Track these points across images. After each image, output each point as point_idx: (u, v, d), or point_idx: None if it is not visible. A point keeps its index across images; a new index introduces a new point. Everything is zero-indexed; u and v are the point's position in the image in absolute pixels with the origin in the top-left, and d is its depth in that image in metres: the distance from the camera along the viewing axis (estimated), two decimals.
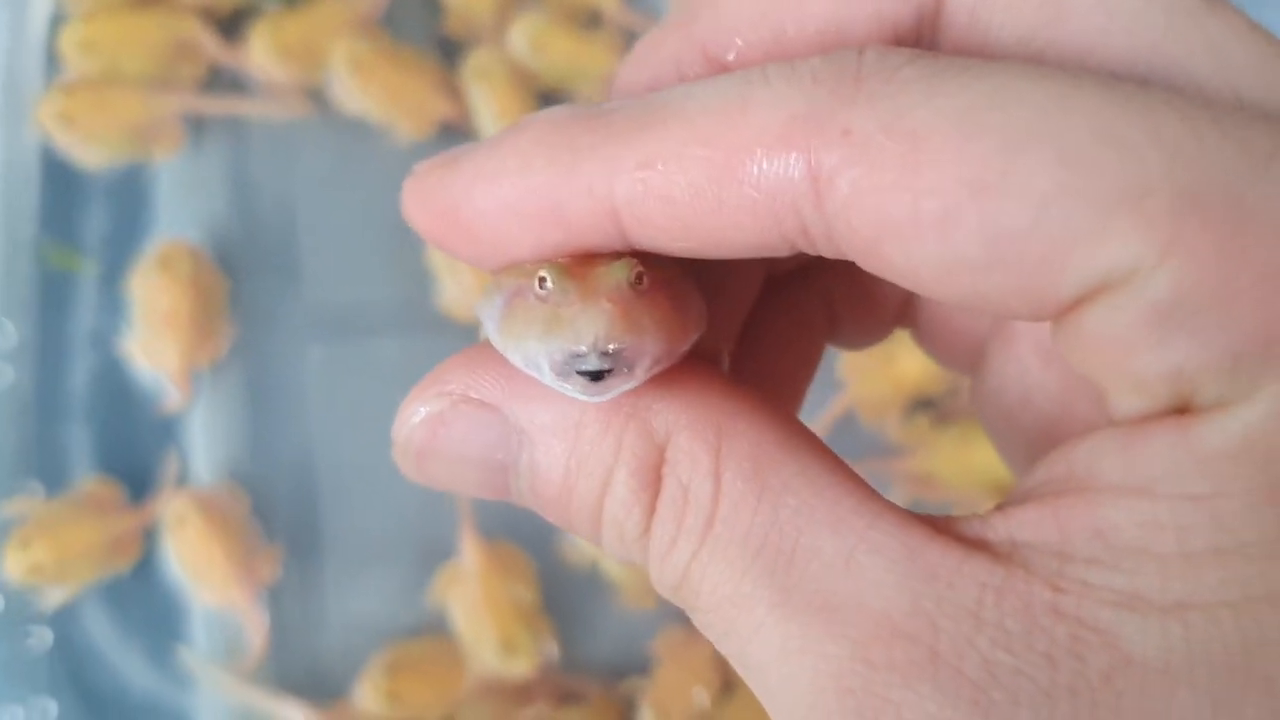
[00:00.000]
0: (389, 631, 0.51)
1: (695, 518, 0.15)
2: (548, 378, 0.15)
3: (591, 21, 0.56)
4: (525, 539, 0.52)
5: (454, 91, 0.53)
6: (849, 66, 0.14)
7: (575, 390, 0.15)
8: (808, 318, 0.22)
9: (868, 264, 0.14)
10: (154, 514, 0.49)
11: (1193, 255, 0.12)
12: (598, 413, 0.16)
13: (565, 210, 0.15)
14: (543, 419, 0.16)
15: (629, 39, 0.56)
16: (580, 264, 0.15)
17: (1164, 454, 0.14)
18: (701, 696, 0.50)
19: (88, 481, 0.50)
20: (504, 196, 0.16)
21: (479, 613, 0.50)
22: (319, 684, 0.50)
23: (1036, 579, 0.13)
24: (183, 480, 0.50)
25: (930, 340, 0.23)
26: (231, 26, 0.53)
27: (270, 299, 0.52)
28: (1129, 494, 0.14)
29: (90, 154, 0.51)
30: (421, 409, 0.17)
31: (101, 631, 0.49)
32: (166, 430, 0.51)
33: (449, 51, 0.55)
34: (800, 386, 0.22)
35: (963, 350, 0.22)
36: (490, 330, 0.16)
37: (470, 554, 0.50)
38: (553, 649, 0.50)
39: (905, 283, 0.14)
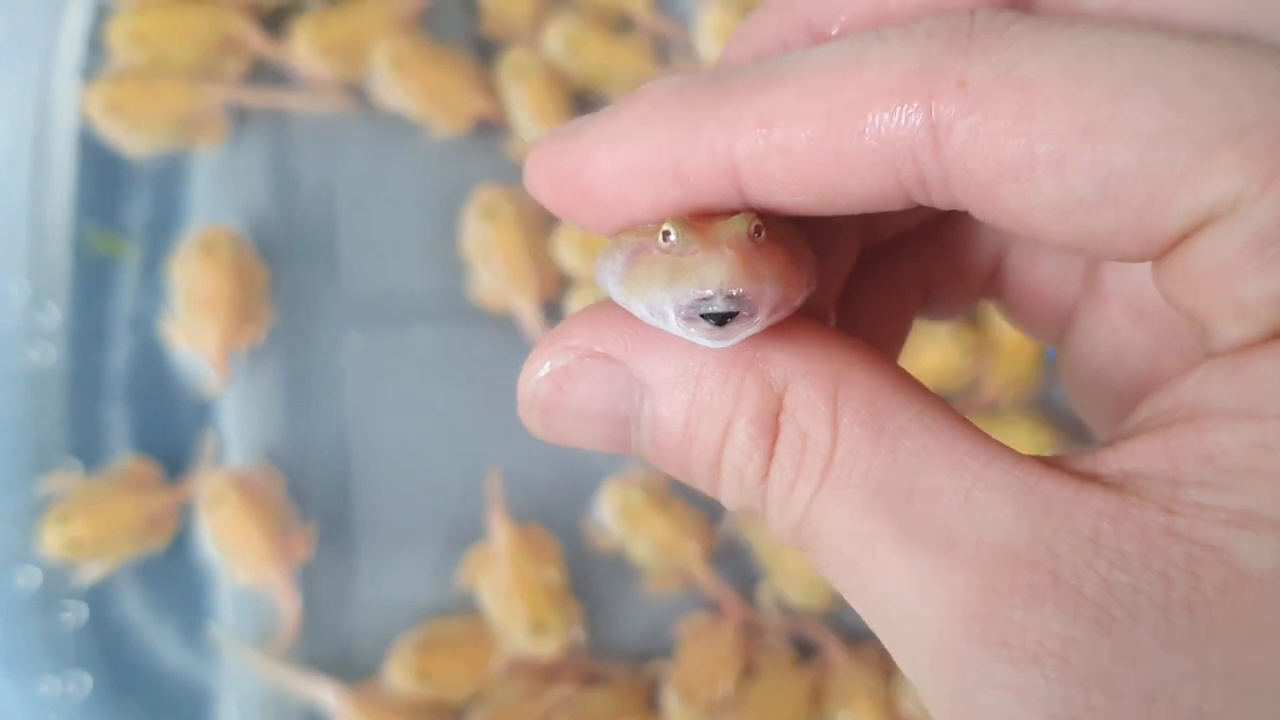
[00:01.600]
0: (419, 611, 0.51)
1: (814, 461, 0.15)
2: (673, 324, 0.16)
3: (623, 25, 0.58)
4: (554, 523, 0.53)
5: (490, 89, 0.55)
6: (961, 24, 0.15)
7: (700, 335, 0.15)
8: (902, 288, 0.22)
9: (982, 209, 0.15)
10: (190, 492, 0.50)
11: None
12: (717, 364, 0.16)
13: (685, 168, 0.16)
14: (665, 371, 0.17)
15: (658, 43, 0.58)
16: (700, 220, 0.16)
17: (1269, 376, 0.14)
18: (726, 684, 0.51)
19: (126, 459, 0.50)
20: (626, 157, 0.16)
21: (508, 593, 0.51)
22: (350, 663, 0.51)
23: (1150, 504, 0.14)
24: (219, 461, 0.51)
25: (1017, 310, 0.23)
26: (276, 23, 0.54)
27: (309, 287, 0.53)
28: (1237, 417, 0.14)
29: (136, 142, 0.53)
30: (547, 364, 0.18)
31: (136, 608, 0.50)
32: (204, 412, 0.52)
33: (486, 51, 0.57)
34: (894, 355, 0.23)
35: (1050, 318, 0.22)
36: (612, 287, 0.17)
37: (500, 535, 0.51)
38: (580, 630, 0.51)
39: (1018, 227, 0.15)
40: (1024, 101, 0.14)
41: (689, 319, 0.15)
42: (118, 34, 0.52)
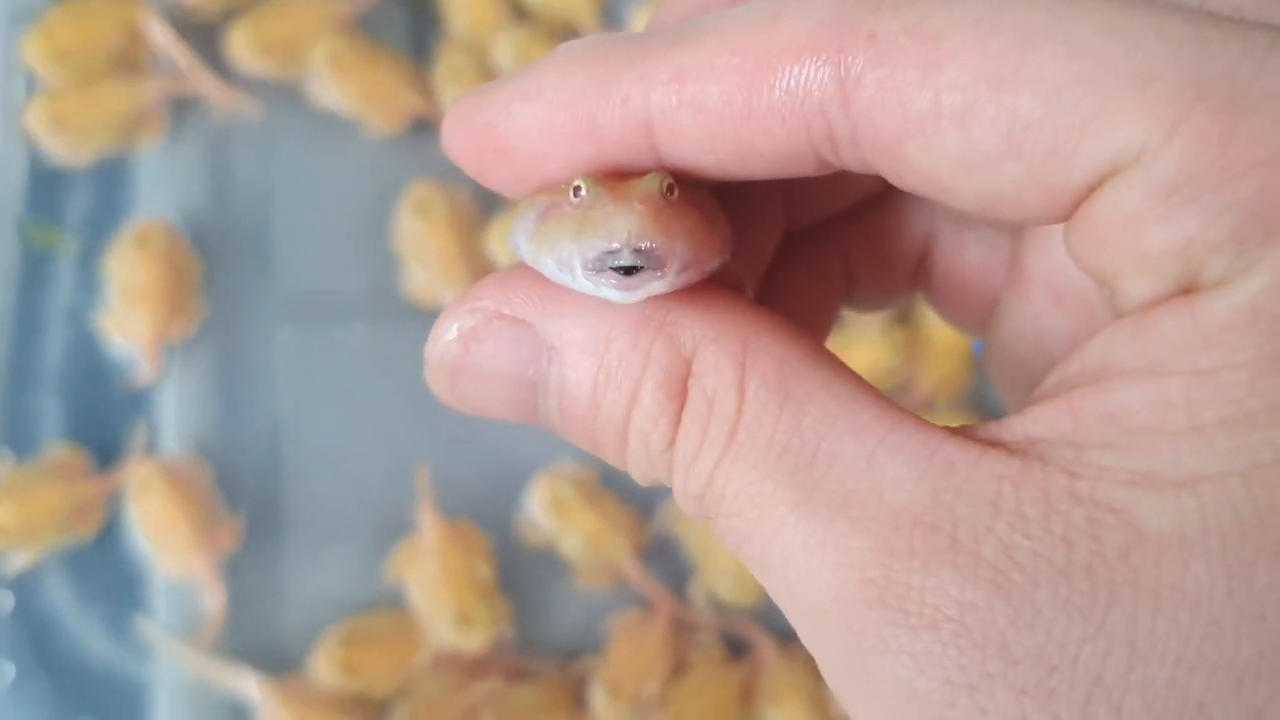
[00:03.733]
0: (347, 605, 0.51)
1: (719, 427, 0.15)
2: (580, 279, 0.16)
3: (569, 36, 0.59)
4: (483, 518, 0.53)
5: (426, 89, 0.56)
6: None
7: (608, 287, 0.15)
8: (825, 275, 0.22)
9: (890, 167, 0.15)
10: (120, 481, 0.51)
11: (1197, 135, 0.13)
12: (626, 327, 0.16)
13: (599, 122, 0.16)
14: (573, 334, 0.16)
15: None
16: (614, 178, 0.16)
17: (1172, 332, 0.14)
18: (654, 682, 0.51)
19: (56, 448, 0.51)
20: (540, 111, 0.16)
21: (436, 586, 0.50)
22: (276, 656, 0.51)
23: (1052, 467, 0.14)
24: (150, 451, 0.52)
25: (944, 300, 0.23)
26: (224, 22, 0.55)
27: (242, 282, 0.54)
28: (1139, 375, 0.14)
29: (80, 151, 0.53)
30: (455, 325, 0.17)
31: (62, 598, 0.50)
32: (136, 403, 0.52)
33: (422, 51, 0.57)
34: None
35: (976, 307, 0.22)
36: (523, 246, 0.17)
37: (429, 529, 0.51)
38: (507, 625, 0.51)
39: (926, 185, 0.15)
40: (932, 53, 0.14)
41: (596, 270, 0.15)
42: (34, 54, 0.53)
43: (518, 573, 0.52)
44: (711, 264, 0.16)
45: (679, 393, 0.16)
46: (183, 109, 0.55)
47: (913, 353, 0.55)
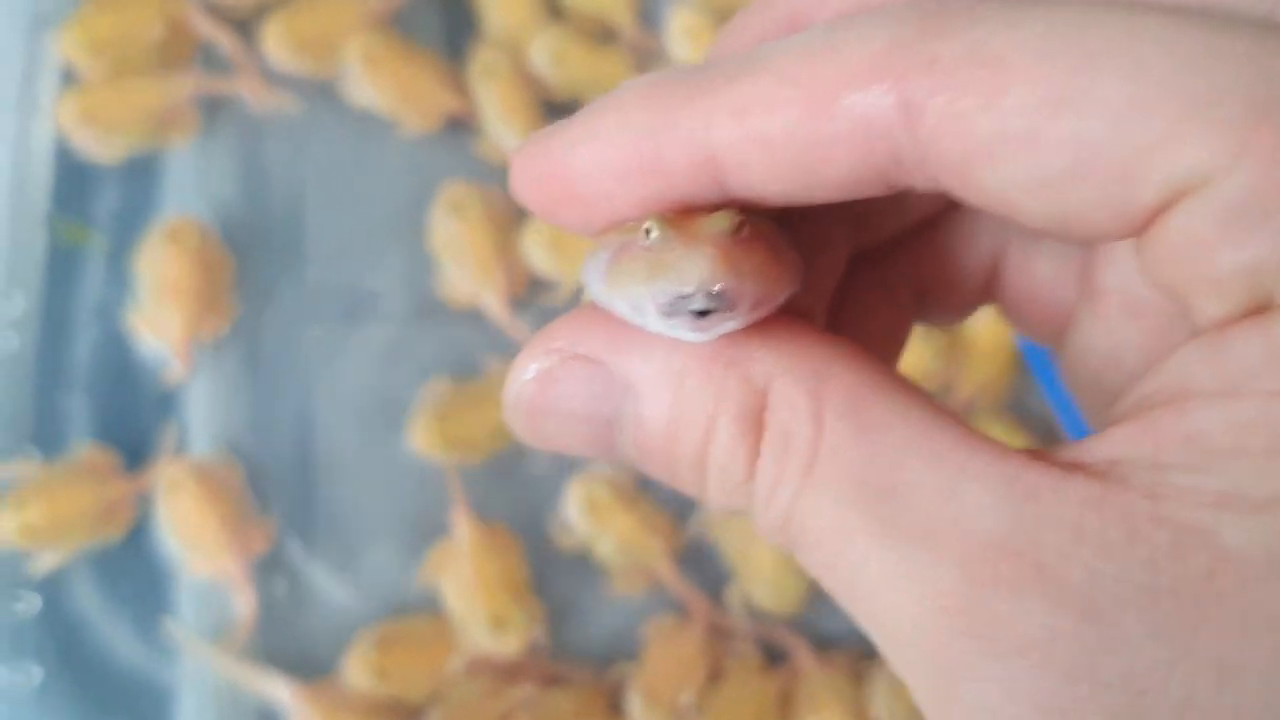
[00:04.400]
0: (380, 609, 0.51)
1: (797, 459, 0.15)
2: (653, 321, 0.16)
3: (606, 37, 0.59)
4: (518, 521, 0.52)
5: (461, 88, 0.55)
6: (931, 4, 0.15)
7: (682, 328, 0.15)
8: (895, 296, 0.22)
9: (959, 188, 0.15)
10: (149, 482, 0.50)
11: (1264, 156, 0.13)
12: (699, 362, 0.16)
13: (665, 160, 0.16)
14: (646, 371, 0.16)
15: (641, 56, 0.58)
16: (683, 217, 0.16)
17: (1248, 352, 0.14)
18: (691, 689, 0.50)
19: (85, 448, 0.50)
20: (605, 153, 0.16)
21: (470, 590, 0.50)
22: (307, 660, 0.50)
23: (1134, 490, 0.14)
24: (180, 451, 0.51)
25: (1017, 312, 0.23)
26: (257, 18, 0.55)
27: (275, 280, 0.53)
28: (1218, 397, 0.14)
29: (111, 147, 0.53)
30: (533, 366, 0.17)
31: (90, 600, 0.49)
32: (166, 402, 0.51)
33: (457, 50, 0.57)
34: (891, 362, 0.22)
35: (1049, 319, 0.22)
36: (595, 287, 0.17)
37: (462, 532, 0.51)
38: (541, 630, 0.50)
39: (997, 205, 0.15)
40: (994, 77, 0.14)
41: (669, 314, 0.15)
42: (70, 45, 0.53)
43: (552, 577, 0.52)
44: (783, 297, 0.16)
45: (755, 426, 0.16)
46: (215, 106, 0.54)
47: (954, 355, 0.54)
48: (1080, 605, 0.13)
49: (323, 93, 0.55)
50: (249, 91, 0.54)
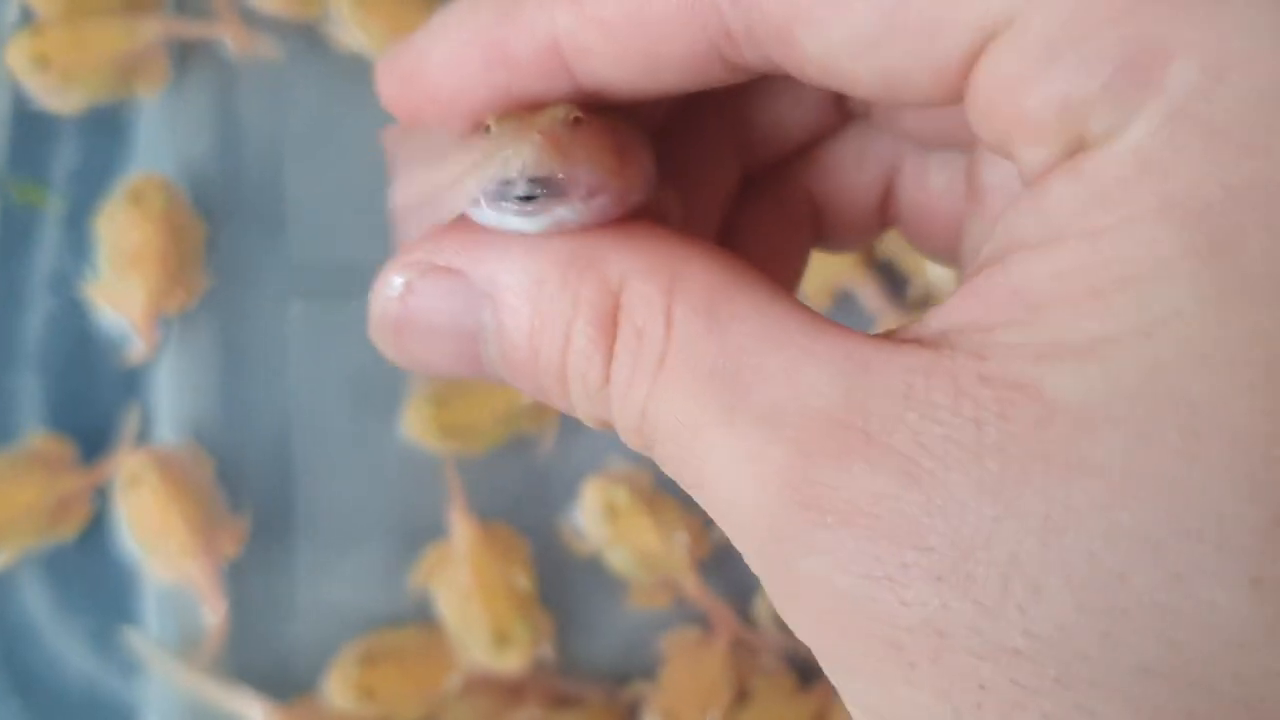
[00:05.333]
0: (365, 619, 0.45)
1: (649, 355, 0.15)
2: (486, 212, 0.16)
3: None
4: (522, 523, 0.46)
5: None
6: None
7: (510, 214, 0.15)
8: (791, 216, 0.22)
9: (788, 60, 0.15)
10: (106, 474, 0.44)
11: None
12: (554, 267, 0.16)
13: (511, 51, 0.16)
14: (505, 279, 0.16)
15: None
16: (524, 112, 0.16)
17: (1064, 196, 0.13)
18: (715, 711, 0.45)
19: (36, 437, 0.44)
20: (455, 48, 0.17)
21: (468, 599, 0.44)
22: (283, 676, 0.45)
23: (961, 353, 0.14)
24: (142, 439, 0.45)
25: (915, 230, 0.22)
26: None
27: (250, 249, 0.48)
28: (1040, 246, 0.14)
29: (69, 98, 0.47)
30: (395, 279, 0.17)
31: (40, 606, 0.44)
32: (128, 384, 0.46)
33: None
34: (791, 288, 0.22)
35: (946, 233, 0.22)
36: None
37: (460, 533, 0.45)
38: (549, 645, 0.45)
39: (824, 76, 0.15)
40: None
41: (496, 200, 0.15)
42: None
43: (560, 584, 0.46)
44: (632, 195, 0.16)
45: (609, 327, 0.16)
46: (187, 51, 0.48)
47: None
48: (905, 469, 0.13)
49: (306, 36, 0.49)
50: (225, 35, 0.48)
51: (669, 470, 0.16)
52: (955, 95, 0.15)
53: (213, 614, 0.44)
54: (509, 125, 0.16)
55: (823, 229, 0.22)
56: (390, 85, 0.18)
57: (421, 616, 0.45)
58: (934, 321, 0.15)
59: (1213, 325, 0.12)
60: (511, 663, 0.44)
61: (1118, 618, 0.12)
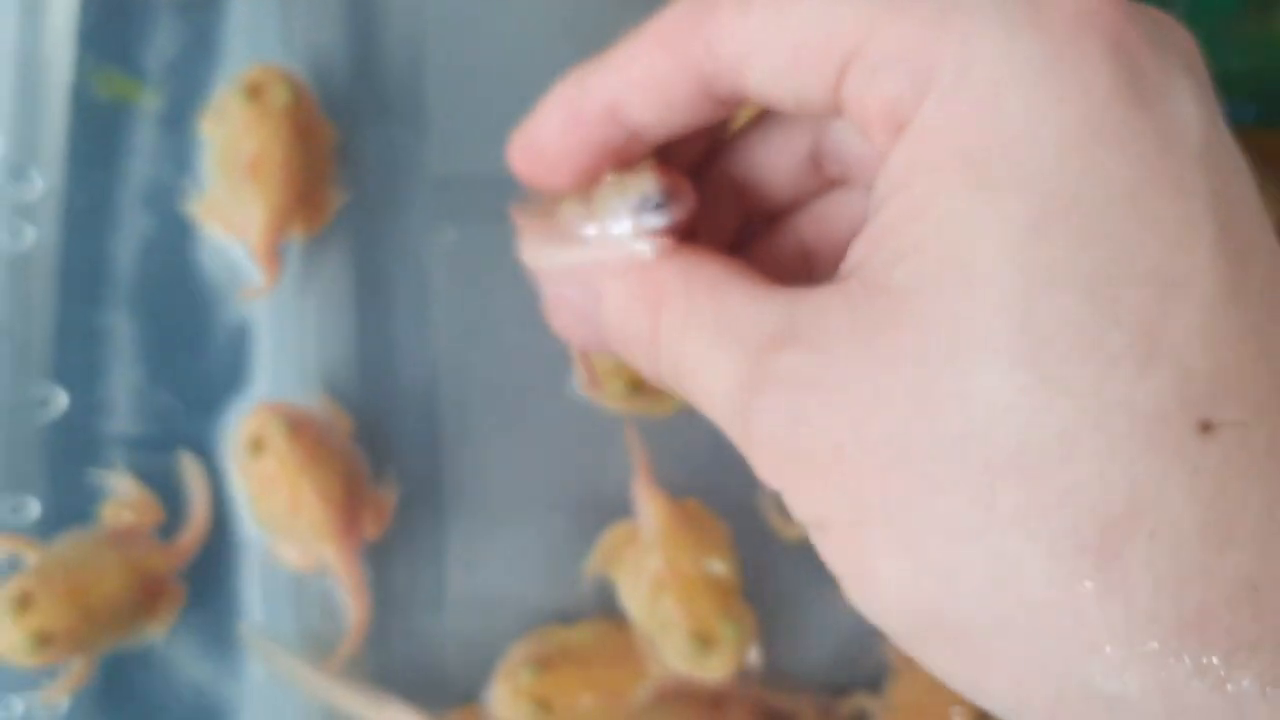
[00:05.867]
0: (529, 613, 0.38)
1: (677, 320, 0.21)
2: (625, 223, 0.22)
3: None
4: (718, 501, 0.38)
5: None
6: None
7: (649, 216, 0.22)
8: (779, 258, 0.26)
9: (744, 87, 0.21)
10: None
11: (892, 26, 0.19)
12: (627, 280, 0.22)
13: (584, 114, 0.22)
14: (608, 286, 0.22)
15: None
16: (621, 166, 0.23)
17: (895, 161, 0.19)
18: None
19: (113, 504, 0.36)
20: (549, 118, 0.22)
21: (660, 592, 0.36)
22: (436, 683, 0.37)
23: (852, 280, 0.19)
24: (262, 395, 0.37)
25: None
26: None
27: (390, 161, 0.39)
28: (884, 200, 0.19)
29: None
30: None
31: None
32: (242, 328, 0.38)
33: None
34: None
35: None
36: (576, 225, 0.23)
37: (648, 511, 0.37)
38: (756, 649, 0.37)
39: (764, 98, 0.21)
40: (741, 7, 0.20)
41: (639, 211, 0.22)
42: None
43: (764, 576, 0.38)
44: (692, 206, 0.22)
45: (657, 307, 0.21)
46: None
47: None
48: (819, 351, 0.19)
49: None
50: None
51: (682, 386, 0.21)
52: (836, 107, 0.20)
53: (354, 608, 0.36)
54: (622, 173, 0.22)
55: (813, 268, 0.26)
56: (516, 157, 0.23)
57: (599, 612, 0.37)
58: (843, 268, 0.20)
59: (973, 201, 0.18)
60: (715, 670, 0.36)
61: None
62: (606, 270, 0.23)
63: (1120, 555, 0.16)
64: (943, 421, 0.17)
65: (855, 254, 0.20)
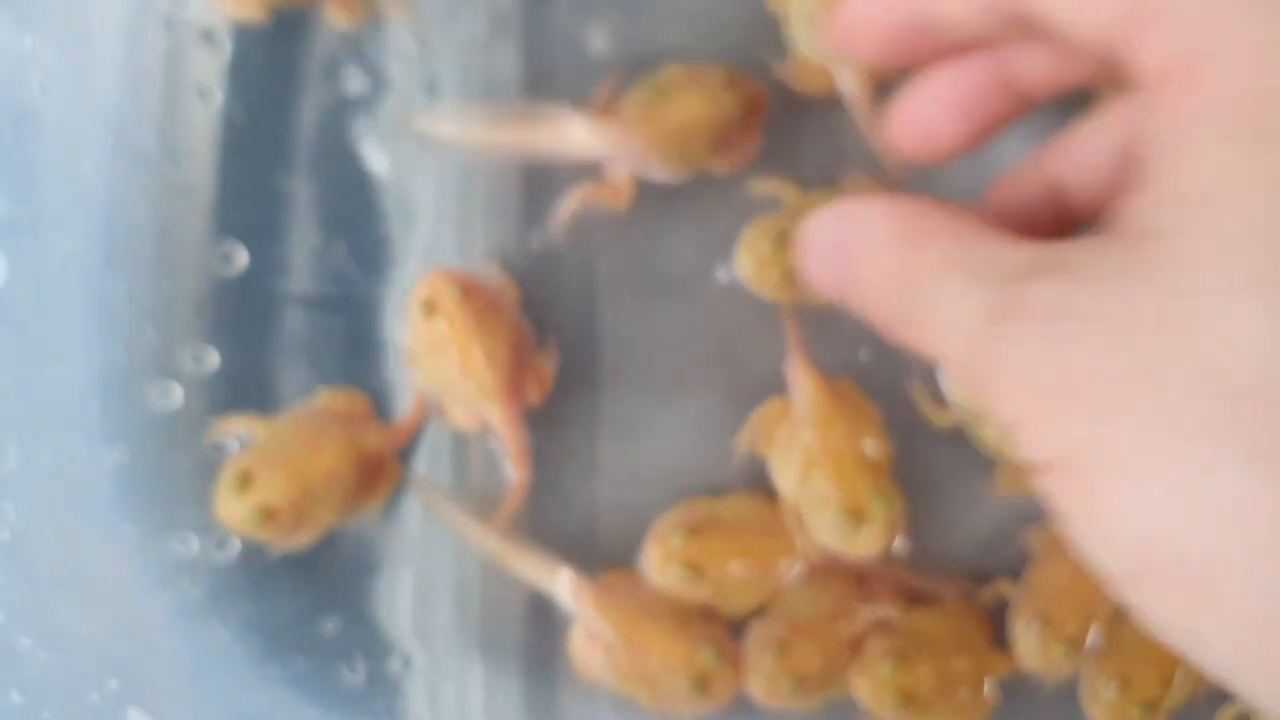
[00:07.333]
0: (680, 485, 0.38)
1: (929, 274, 0.23)
2: None
3: None
4: (870, 384, 0.38)
5: None
6: None
7: None
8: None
9: (1028, 11, 0.23)
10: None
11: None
12: (888, 243, 0.24)
13: None
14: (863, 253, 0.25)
15: None
16: None
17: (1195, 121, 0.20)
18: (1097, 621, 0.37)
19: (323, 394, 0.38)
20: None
21: (812, 468, 0.36)
22: (589, 547, 0.38)
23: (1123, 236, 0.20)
24: (430, 259, 0.38)
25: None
26: None
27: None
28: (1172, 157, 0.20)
29: None
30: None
31: None
32: (413, 198, 0.38)
33: None
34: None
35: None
36: None
37: (802, 388, 0.37)
38: (903, 532, 0.37)
39: (1047, 20, 0.22)
40: None
41: None
42: None
43: (912, 462, 0.38)
44: None
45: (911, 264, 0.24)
46: None
47: None
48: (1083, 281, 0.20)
49: None
50: None
51: (921, 324, 0.22)
52: (1111, 47, 0.21)
53: (516, 470, 0.37)
54: None
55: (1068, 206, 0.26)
56: (833, 30, 0.26)
57: (749, 487, 0.38)
58: (1103, 219, 0.21)
59: (1238, 152, 0.18)
60: (867, 546, 0.36)
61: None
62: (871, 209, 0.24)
63: None
64: (1191, 354, 0.17)
65: (1117, 206, 0.20)
